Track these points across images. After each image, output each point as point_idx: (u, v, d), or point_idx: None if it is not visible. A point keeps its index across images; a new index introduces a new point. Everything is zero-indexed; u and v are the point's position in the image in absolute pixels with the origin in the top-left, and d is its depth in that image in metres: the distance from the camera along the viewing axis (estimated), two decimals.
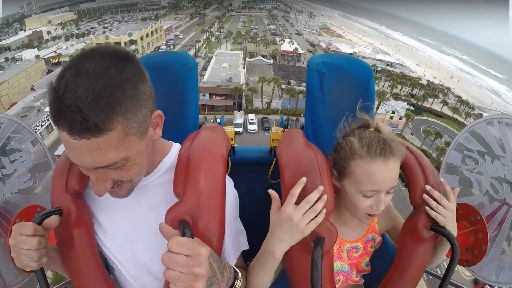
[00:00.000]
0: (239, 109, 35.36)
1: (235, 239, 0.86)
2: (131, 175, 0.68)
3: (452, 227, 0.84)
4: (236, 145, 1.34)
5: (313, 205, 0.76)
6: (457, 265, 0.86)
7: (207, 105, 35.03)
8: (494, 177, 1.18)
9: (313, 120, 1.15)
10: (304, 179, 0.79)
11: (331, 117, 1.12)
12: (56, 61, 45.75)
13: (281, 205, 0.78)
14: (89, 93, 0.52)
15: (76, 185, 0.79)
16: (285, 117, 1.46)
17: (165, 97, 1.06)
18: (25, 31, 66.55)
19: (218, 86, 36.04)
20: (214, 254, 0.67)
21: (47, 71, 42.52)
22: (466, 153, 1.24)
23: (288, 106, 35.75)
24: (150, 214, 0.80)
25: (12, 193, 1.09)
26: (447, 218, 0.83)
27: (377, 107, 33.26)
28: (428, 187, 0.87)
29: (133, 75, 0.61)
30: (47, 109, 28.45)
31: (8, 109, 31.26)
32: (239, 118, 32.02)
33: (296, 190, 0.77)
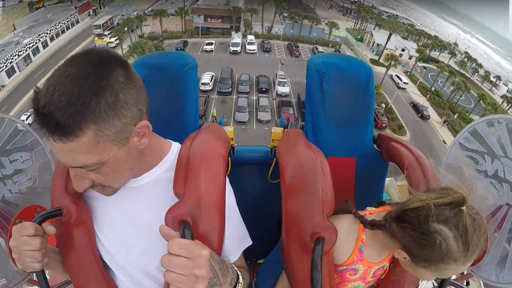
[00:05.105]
0: (237, 30, 33.32)
1: (236, 236, 0.86)
2: (107, 180, 0.70)
3: None
4: (236, 145, 1.34)
5: None
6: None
7: (201, 27, 32.79)
8: (494, 177, 1.18)
9: (313, 120, 1.15)
10: None
11: (331, 117, 1.12)
12: (40, 5, 40.74)
13: (281, 204, 0.76)
14: (63, 98, 0.55)
15: None
16: (285, 118, 1.45)
17: (165, 97, 1.06)
18: None
19: (214, 8, 33.53)
20: (215, 256, 0.67)
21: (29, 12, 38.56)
22: (466, 153, 1.23)
23: (292, 31, 33.42)
24: (148, 213, 0.79)
25: (12, 193, 1.08)
26: None
27: (388, 38, 31.61)
28: None
29: (115, 82, 0.60)
30: (25, 41, 27.01)
31: None
32: (236, 37, 30.24)
33: None
